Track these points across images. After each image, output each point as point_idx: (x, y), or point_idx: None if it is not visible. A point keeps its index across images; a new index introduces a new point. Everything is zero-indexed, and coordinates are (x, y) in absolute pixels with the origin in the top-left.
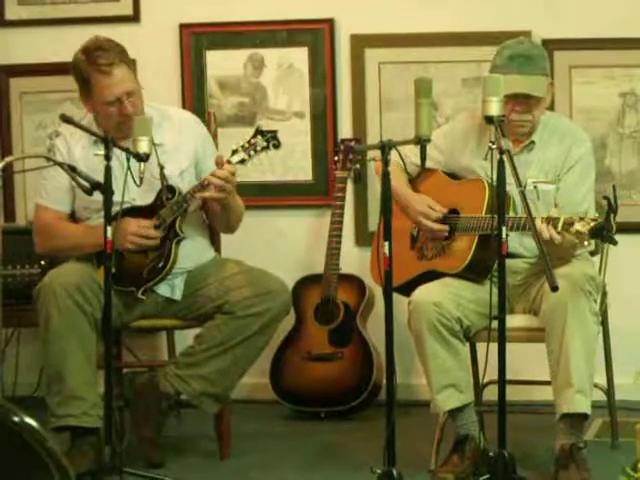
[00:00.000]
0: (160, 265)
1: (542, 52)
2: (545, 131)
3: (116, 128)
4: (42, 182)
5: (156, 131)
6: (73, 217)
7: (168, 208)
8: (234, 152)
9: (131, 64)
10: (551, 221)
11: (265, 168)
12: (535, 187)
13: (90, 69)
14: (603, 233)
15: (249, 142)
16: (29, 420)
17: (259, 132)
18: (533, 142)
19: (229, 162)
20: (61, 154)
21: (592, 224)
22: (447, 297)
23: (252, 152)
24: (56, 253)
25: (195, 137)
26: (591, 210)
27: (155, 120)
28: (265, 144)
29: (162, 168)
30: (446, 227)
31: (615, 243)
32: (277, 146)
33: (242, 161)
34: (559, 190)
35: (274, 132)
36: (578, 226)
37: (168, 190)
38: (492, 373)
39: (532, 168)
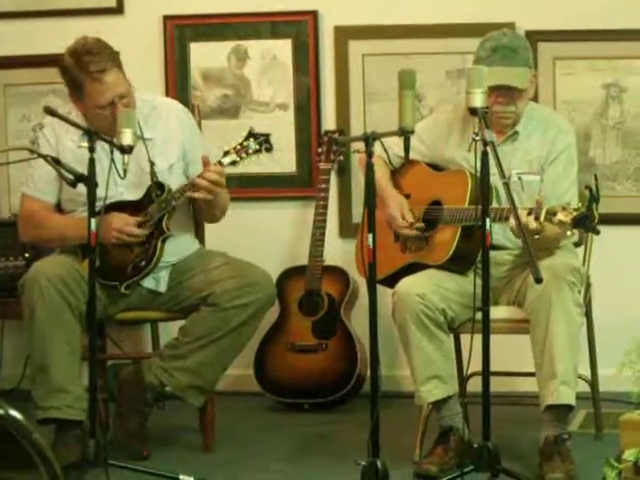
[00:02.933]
0: (145, 261)
1: (525, 44)
2: (529, 122)
3: (109, 129)
4: (29, 171)
5: (146, 125)
6: (59, 208)
7: (156, 205)
8: (226, 153)
9: (121, 65)
10: (533, 211)
11: (249, 160)
12: (519, 178)
13: (81, 75)
14: (586, 222)
15: (241, 144)
16: (14, 412)
17: (252, 135)
18: (517, 132)
19: (220, 163)
20: (49, 144)
21: (574, 214)
22: (431, 289)
23: (244, 154)
24: (40, 243)
25: (183, 129)
26: (574, 201)
27: (144, 111)
28: (257, 147)
29: (152, 164)
30: (414, 233)
31: (597, 232)
32: (269, 149)
33: (233, 163)
34: (543, 181)
35: (267, 135)
36: (561, 216)
37: (157, 187)
38: (476, 365)
39: (516, 159)
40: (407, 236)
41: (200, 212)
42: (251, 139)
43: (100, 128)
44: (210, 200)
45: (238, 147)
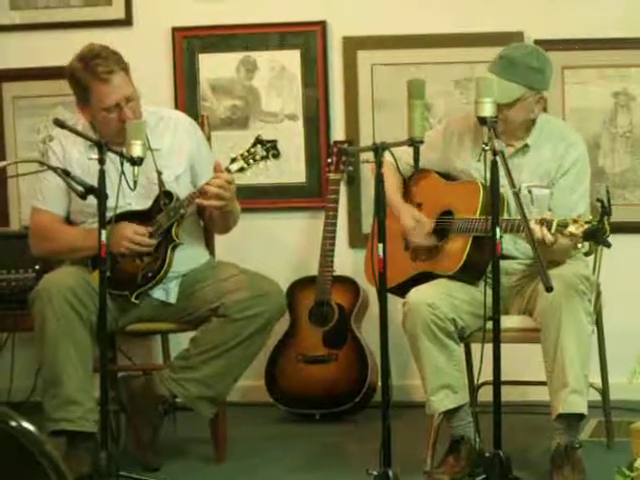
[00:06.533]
0: (155, 270)
1: (532, 63)
2: (540, 135)
3: (116, 134)
4: (38, 185)
5: (152, 136)
6: (68, 220)
7: (165, 214)
8: (233, 160)
9: (128, 71)
10: (545, 223)
11: (259, 171)
12: (529, 192)
13: (89, 77)
14: (597, 236)
15: (248, 151)
16: (27, 424)
17: (259, 141)
18: (527, 145)
19: (228, 170)
20: (57, 158)
21: (586, 226)
22: (442, 298)
23: (251, 161)
24: (52, 256)
25: (190, 140)
26: (585, 215)
27: (151, 123)
28: (264, 154)
29: (160, 174)
30: (433, 239)
31: (609, 246)
32: (276, 156)
33: (241, 169)
34: (553, 194)
35: (274, 142)
36: (572, 228)
37: (165, 195)
38: (487, 374)
39: (526, 172)
40: (419, 245)
41: (212, 223)
42: (258, 146)
43: (107, 134)
44: (220, 208)
45: (245, 154)
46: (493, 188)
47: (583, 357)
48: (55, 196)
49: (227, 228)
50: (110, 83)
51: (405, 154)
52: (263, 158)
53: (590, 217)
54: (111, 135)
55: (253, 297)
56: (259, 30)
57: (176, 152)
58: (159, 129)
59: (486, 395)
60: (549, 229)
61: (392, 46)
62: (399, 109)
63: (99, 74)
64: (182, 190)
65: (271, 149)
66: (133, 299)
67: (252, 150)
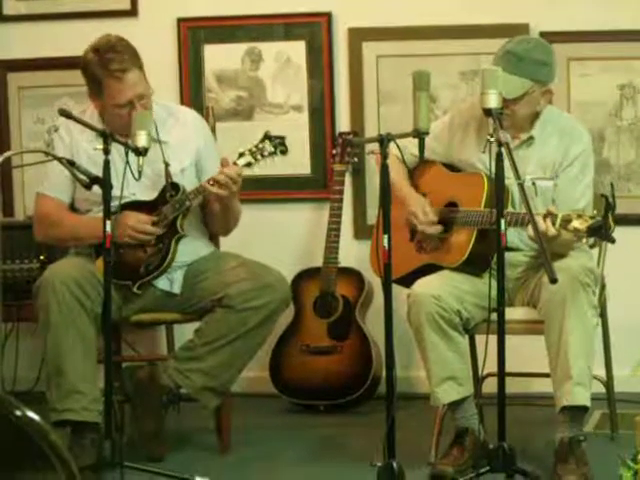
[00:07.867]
0: (158, 261)
1: (538, 56)
2: (545, 127)
3: (124, 128)
4: (44, 171)
5: (162, 128)
6: (73, 208)
7: (170, 205)
8: (241, 155)
9: (142, 66)
10: (549, 217)
11: (264, 162)
12: (533, 183)
13: (102, 72)
14: (601, 231)
15: (257, 146)
16: (31, 414)
17: (267, 137)
18: (532, 137)
19: (235, 164)
20: (64, 146)
21: (590, 222)
22: (446, 290)
23: (259, 156)
24: (55, 242)
25: (198, 137)
26: (589, 208)
27: (161, 117)
28: (272, 149)
29: (167, 165)
30: (438, 228)
31: (613, 241)
32: (284, 152)
33: (248, 164)
34: (557, 186)
35: (282, 138)
36: (576, 223)
37: (172, 187)
38: (491, 365)
39: (531, 164)
40: (424, 235)
41: (213, 220)
42: (266, 141)
43: (116, 127)
44: (225, 198)
45: (253, 149)
46: (498, 179)
47: (587, 349)
48: (60, 183)
49: (227, 228)
50: (123, 81)
51: (410, 144)
52: (271, 154)
53: (595, 212)
54: (119, 129)
55: (257, 288)
56: (264, 21)
57: (183, 146)
58: (168, 123)
59: (490, 387)
60: (553, 223)
61: (397, 38)
62: (404, 101)
63: (113, 71)
64: (187, 183)
65: (279, 145)
66: (135, 289)
67: (260, 145)
